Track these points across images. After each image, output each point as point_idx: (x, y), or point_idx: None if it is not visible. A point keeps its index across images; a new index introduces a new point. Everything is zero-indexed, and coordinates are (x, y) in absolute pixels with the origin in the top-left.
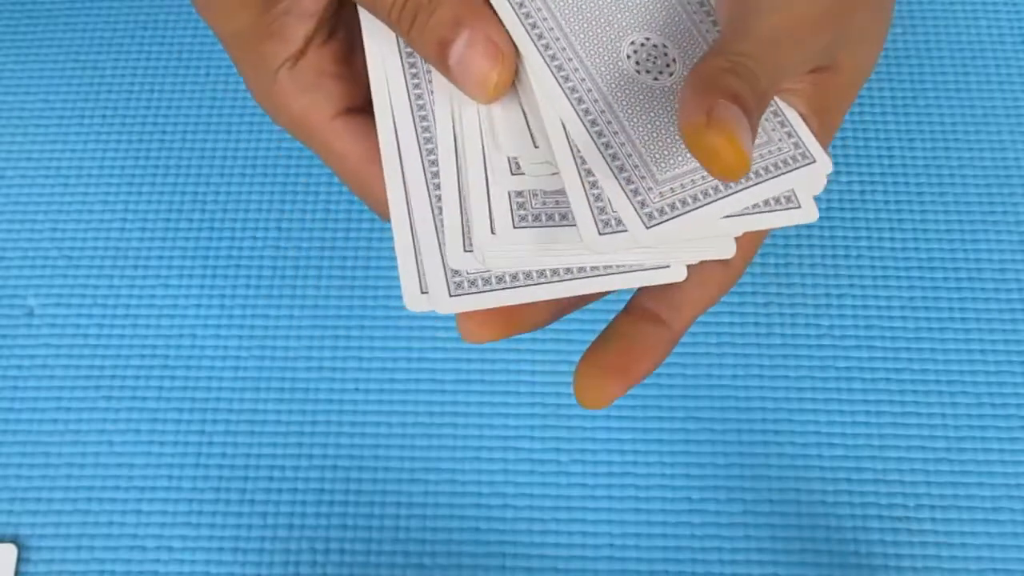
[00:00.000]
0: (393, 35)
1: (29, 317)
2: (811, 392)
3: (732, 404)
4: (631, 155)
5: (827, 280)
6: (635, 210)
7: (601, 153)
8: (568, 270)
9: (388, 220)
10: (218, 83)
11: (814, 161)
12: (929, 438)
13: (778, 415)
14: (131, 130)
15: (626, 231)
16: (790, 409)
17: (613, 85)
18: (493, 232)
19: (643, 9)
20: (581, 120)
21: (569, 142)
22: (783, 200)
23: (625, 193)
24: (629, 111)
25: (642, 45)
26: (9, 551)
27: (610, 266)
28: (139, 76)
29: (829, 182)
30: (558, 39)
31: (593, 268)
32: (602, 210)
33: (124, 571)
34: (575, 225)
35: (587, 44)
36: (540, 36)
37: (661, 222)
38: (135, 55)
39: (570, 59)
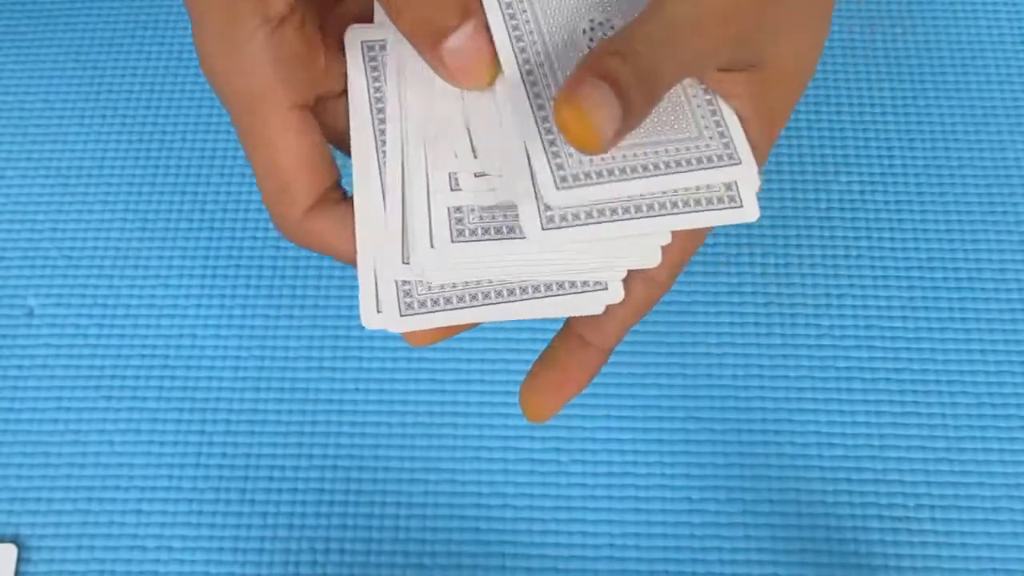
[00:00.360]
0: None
1: (29, 317)
2: (811, 392)
3: (732, 404)
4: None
5: (827, 280)
6: (551, 172)
7: (533, 113)
8: (512, 291)
9: (280, 231)
10: None
11: (739, 162)
12: (929, 438)
13: (778, 415)
14: (131, 130)
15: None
16: (790, 409)
17: (560, 49)
18: (432, 246)
19: None
20: (521, 75)
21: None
22: (724, 199)
23: (546, 154)
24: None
25: (600, 24)
26: (9, 551)
27: (550, 287)
28: (139, 76)
29: (829, 182)
30: (524, 10)
31: (535, 289)
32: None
33: (124, 571)
34: (512, 239)
35: (551, 20)
36: (516, 28)
37: (573, 187)
38: (135, 55)
39: (527, 22)
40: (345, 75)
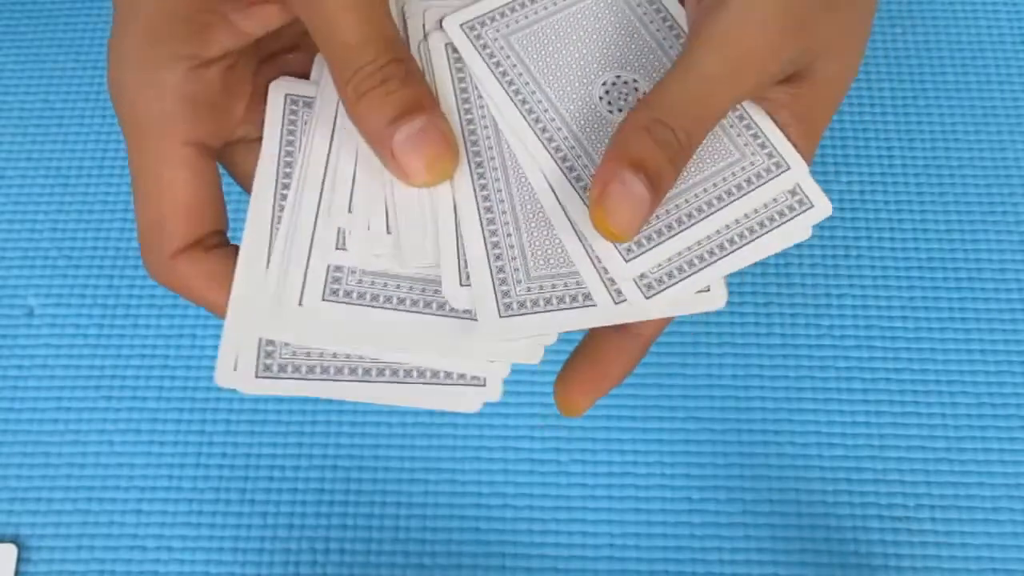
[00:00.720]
0: (292, 107)
1: (29, 317)
2: (811, 392)
3: (732, 404)
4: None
5: (827, 280)
6: (619, 254)
7: (579, 194)
8: (380, 371)
9: (145, 266)
10: None
11: (789, 168)
12: (929, 438)
13: (778, 415)
14: None
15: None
16: (790, 409)
17: (587, 129)
18: (300, 303)
19: (611, 47)
20: (558, 166)
21: (555, 196)
22: (794, 206)
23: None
24: (601, 150)
25: (613, 84)
26: (9, 551)
27: (423, 373)
28: None
29: (829, 182)
30: (534, 92)
31: (406, 373)
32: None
33: (124, 571)
34: (392, 308)
35: (560, 92)
36: (517, 92)
37: (640, 254)
38: None
39: (546, 110)
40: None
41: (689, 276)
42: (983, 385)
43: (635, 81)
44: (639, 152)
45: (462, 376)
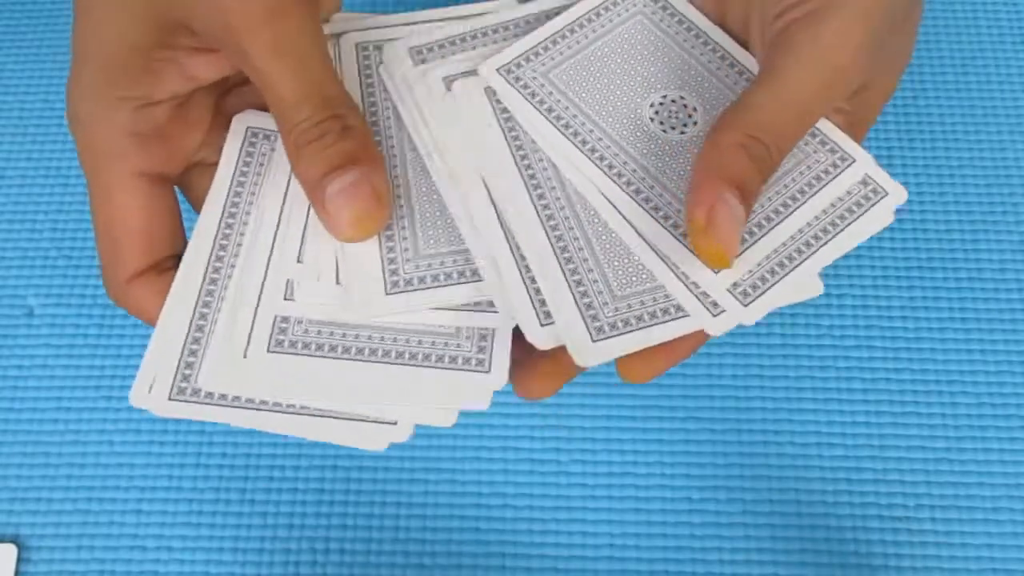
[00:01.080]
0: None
1: (29, 317)
2: (811, 392)
3: (732, 404)
4: (680, 211)
5: (827, 280)
6: (715, 275)
7: (661, 224)
8: (293, 403)
9: (106, 289)
10: None
11: (855, 160)
12: (929, 438)
13: (778, 415)
14: None
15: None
16: (790, 409)
17: (645, 151)
18: (245, 356)
19: (649, 69)
20: (624, 191)
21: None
22: (869, 196)
23: (685, 247)
24: (668, 173)
25: (661, 104)
26: (9, 551)
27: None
28: None
29: None
30: (584, 123)
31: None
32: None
33: (124, 571)
34: (339, 358)
35: (612, 121)
36: (567, 126)
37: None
38: None
39: (600, 139)
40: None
41: (782, 277)
42: (983, 385)
43: (682, 98)
44: (737, 171)
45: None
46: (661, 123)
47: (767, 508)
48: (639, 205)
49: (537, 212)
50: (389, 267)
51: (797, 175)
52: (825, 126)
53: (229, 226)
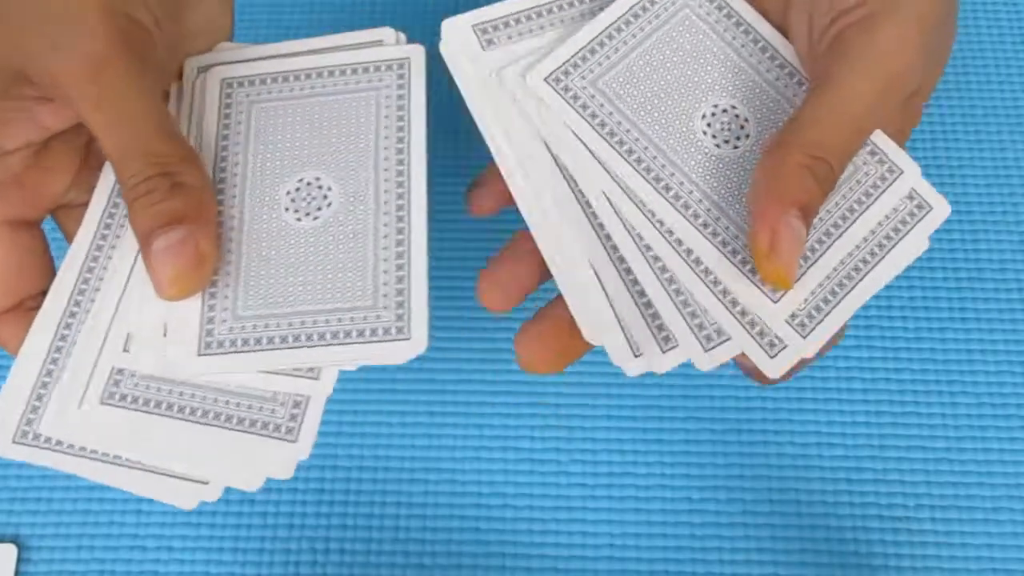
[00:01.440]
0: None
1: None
2: (811, 392)
3: (732, 404)
4: (738, 237)
5: None
6: (759, 288)
7: (720, 250)
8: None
9: None
10: None
11: (903, 171)
12: (929, 438)
13: (778, 415)
14: None
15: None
16: (790, 409)
17: (700, 169)
18: (80, 405)
19: (700, 74)
20: (682, 215)
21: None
22: (914, 212)
23: (743, 274)
24: (724, 193)
25: (713, 115)
26: (9, 551)
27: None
28: None
29: None
30: (637, 139)
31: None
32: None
33: (124, 571)
34: (160, 415)
35: (662, 133)
36: (620, 142)
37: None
38: None
39: (654, 156)
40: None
41: (837, 304)
42: (983, 385)
43: (734, 108)
44: (802, 192)
45: (180, 480)
46: (714, 136)
47: (767, 508)
48: (698, 231)
49: (604, 248)
50: (206, 326)
51: (847, 190)
52: (875, 134)
53: (90, 269)
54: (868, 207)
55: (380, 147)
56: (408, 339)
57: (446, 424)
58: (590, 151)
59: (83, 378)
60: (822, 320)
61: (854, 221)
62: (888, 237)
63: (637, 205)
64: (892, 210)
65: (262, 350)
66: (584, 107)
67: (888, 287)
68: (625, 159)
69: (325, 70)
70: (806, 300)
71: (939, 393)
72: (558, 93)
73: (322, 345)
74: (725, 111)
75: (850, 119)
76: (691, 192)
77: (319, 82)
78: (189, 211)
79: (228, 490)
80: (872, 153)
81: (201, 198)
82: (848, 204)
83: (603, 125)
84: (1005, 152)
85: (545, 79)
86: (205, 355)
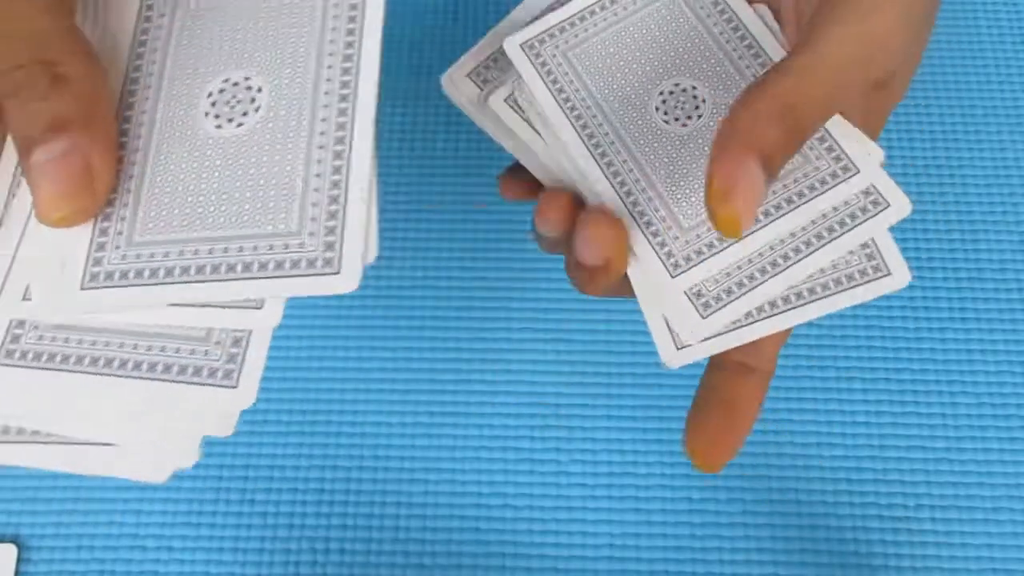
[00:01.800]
0: None
1: None
2: (811, 392)
3: None
4: (658, 209)
5: None
6: (661, 261)
7: (629, 210)
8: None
9: None
10: None
11: (858, 171)
12: (929, 438)
13: (778, 415)
14: None
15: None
16: (790, 409)
17: (643, 144)
18: None
19: (670, 54)
20: (612, 185)
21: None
22: (867, 207)
23: (650, 243)
24: (660, 170)
25: (671, 93)
26: (9, 551)
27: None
28: None
29: None
30: (590, 108)
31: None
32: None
33: (124, 571)
34: (69, 370)
35: (618, 108)
36: (572, 108)
37: (687, 269)
38: None
39: (602, 127)
40: None
41: (752, 290)
42: (983, 385)
43: (694, 88)
44: (769, 141)
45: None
46: (665, 114)
47: (767, 508)
48: (621, 199)
49: (642, 232)
50: (94, 254)
51: (791, 181)
52: (837, 130)
53: None
54: (808, 200)
55: (325, 47)
56: (337, 273)
57: (446, 424)
58: (546, 116)
59: None
60: (730, 303)
61: (791, 210)
62: (831, 229)
63: (578, 170)
64: (843, 203)
65: (158, 283)
66: (549, 73)
67: None
68: (573, 125)
69: None
70: (717, 281)
71: (939, 393)
72: (529, 59)
73: (231, 279)
74: (684, 90)
75: (827, 75)
76: (625, 162)
77: None
78: (76, 114)
79: (228, 490)
80: (829, 149)
81: (92, 97)
82: (788, 194)
83: (561, 91)
84: (1005, 152)
85: (520, 45)
86: (90, 288)
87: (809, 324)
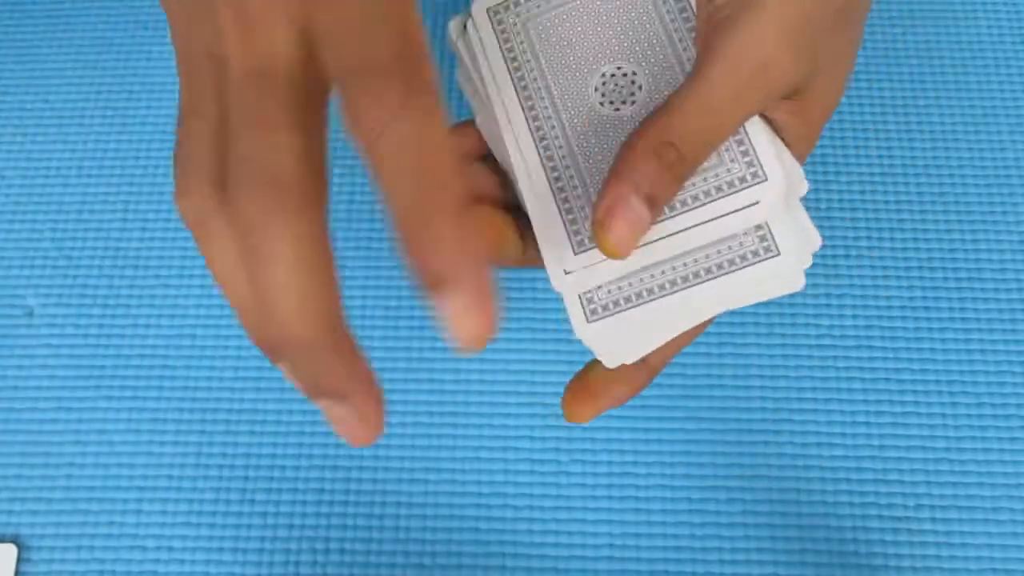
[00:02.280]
0: None
1: (29, 317)
2: (811, 392)
3: (732, 404)
4: (579, 197)
5: (827, 280)
6: (569, 239)
7: (554, 196)
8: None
9: None
10: None
11: (766, 179)
12: (929, 438)
13: (778, 415)
14: (131, 130)
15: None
16: (790, 409)
17: (576, 122)
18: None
19: (620, 36)
20: (543, 166)
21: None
22: (760, 251)
23: (564, 224)
24: (586, 148)
25: (612, 76)
26: (9, 551)
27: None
28: (139, 76)
29: (829, 182)
30: (536, 81)
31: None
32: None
33: (124, 571)
34: (656, 299)
35: (561, 82)
36: (521, 78)
37: (588, 248)
38: (135, 55)
39: (544, 103)
40: None
41: (639, 306)
42: (983, 385)
43: (634, 74)
44: (647, 177)
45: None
46: (603, 96)
47: (767, 508)
48: (546, 178)
49: (533, 136)
50: (585, 295)
51: (700, 179)
52: (758, 139)
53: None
54: (713, 200)
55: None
56: (777, 255)
57: (446, 424)
58: (495, 82)
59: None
60: (614, 314)
61: (691, 209)
62: (731, 262)
63: (513, 136)
64: (743, 233)
65: (646, 302)
66: (506, 41)
67: (888, 287)
68: (518, 96)
69: None
70: (609, 291)
71: (939, 393)
72: (492, 24)
73: (699, 282)
74: (625, 75)
75: (706, 108)
76: (557, 139)
77: None
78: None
79: (228, 490)
80: (744, 153)
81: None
82: (694, 192)
83: (514, 60)
84: (1005, 152)
85: (487, 9)
86: (593, 322)
87: (808, 324)
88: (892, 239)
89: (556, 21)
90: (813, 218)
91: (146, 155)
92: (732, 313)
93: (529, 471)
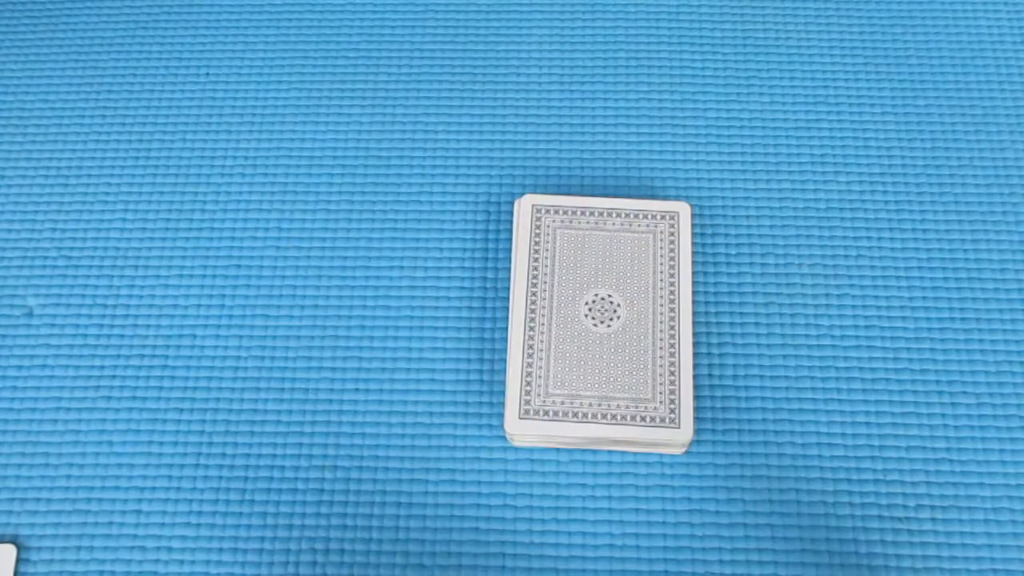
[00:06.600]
0: None
1: (29, 317)
2: (811, 392)
3: (732, 404)
4: (540, 378)
5: (827, 280)
6: (519, 405)
7: (522, 368)
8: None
9: None
10: (218, 83)
11: (679, 427)
12: (929, 438)
13: (778, 415)
14: (131, 130)
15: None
16: (790, 409)
17: (562, 328)
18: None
19: (613, 268)
20: (523, 343)
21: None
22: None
23: (520, 391)
24: (562, 350)
25: (600, 299)
26: (9, 551)
27: None
28: (139, 76)
29: (828, 182)
30: (546, 284)
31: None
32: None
33: (124, 571)
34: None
35: (563, 296)
36: (535, 271)
37: (529, 419)
38: (135, 55)
39: (544, 296)
40: None
41: (561, 422)
42: (983, 385)
43: (610, 296)
44: None
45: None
46: (593, 317)
47: (767, 508)
48: (522, 353)
49: (525, 312)
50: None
51: (631, 404)
52: (687, 391)
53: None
54: (636, 426)
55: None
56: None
57: (445, 424)
58: (517, 259)
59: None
60: (540, 421)
61: (617, 424)
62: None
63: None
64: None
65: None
66: (537, 236)
67: (888, 287)
68: (527, 282)
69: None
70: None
71: (939, 393)
72: (531, 219)
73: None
74: (603, 299)
75: None
76: (543, 333)
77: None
78: None
79: (228, 490)
80: (672, 401)
81: None
82: (623, 412)
83: (536, 254)
84: (1005, 152)
85: (533, 205)
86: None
87: (808, 324)
88: (892, 239)
89: (579, 240)
90: (813, 217)
91: (146, 155)
92: (732, 313)
93: (529, 471)
